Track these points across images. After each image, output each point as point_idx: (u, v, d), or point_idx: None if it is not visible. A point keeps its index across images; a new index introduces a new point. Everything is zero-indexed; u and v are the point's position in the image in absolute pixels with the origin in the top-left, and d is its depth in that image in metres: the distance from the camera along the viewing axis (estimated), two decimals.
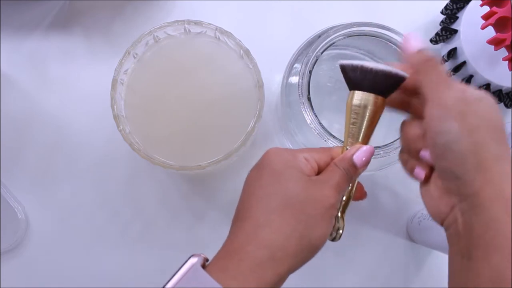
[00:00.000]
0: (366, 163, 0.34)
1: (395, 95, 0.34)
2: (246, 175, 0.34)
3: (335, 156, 0.34)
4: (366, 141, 0.34)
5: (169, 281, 0.29)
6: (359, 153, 0.33)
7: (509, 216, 0.28)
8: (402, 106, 0.35)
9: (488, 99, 0.30)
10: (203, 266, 0.30)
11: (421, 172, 0.33)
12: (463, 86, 0.31)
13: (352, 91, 0.34)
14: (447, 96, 0.30)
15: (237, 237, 0.31)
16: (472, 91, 0.30)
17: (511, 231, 0.27)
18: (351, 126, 0.34)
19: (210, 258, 0.32)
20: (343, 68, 0.34)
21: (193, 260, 0.30)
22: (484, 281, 0.28)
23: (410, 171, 0.34)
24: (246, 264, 0.29)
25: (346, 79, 0.35)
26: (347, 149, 0.34)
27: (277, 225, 0.30)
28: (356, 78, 0.34)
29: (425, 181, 0.33)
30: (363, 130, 0.34)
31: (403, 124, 0.34)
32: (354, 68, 0.33)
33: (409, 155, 0.34)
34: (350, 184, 0.35)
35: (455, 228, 0.30)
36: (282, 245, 0.30)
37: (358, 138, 0.34)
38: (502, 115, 0.30)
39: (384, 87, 0.33)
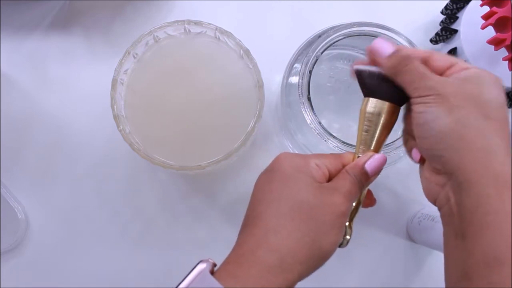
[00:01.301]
0: (378, 171, 0.34)
1: None
2: (256, 179, 0.34)
3: (346, 162, 0.34)
4: (378, 149, 0.34)
5: (177, 287, 0.29)
6: (371, 161, 0.33)
7: (499, 190, 0.27)
8: None
9: (477, 78, 0.30)
10: (212, 272, 0.30)
11: (416, 153, 0.33)
12: (450, 71, 0.31)
13: (366, 98, 0.34)
14: (424, 86, 0.30)
15: (246, 242, 0.30)
16: (458, 75, 0.30)
17: (502, 207, 0.27)
18: (364, 133, 0.34)
19: (211, 259, 0.31)
20: (359, 74, 0.34)
21: (202, 266, 0.29)
22: (476, 260, 0.27)
23: (409, 152, 0.34)
24: (255, 269, 0.29)
25: (361, 84, 0.34)
26: (358, 156, 0.34)
27: (287, 230, 0.30)
28: (372, 85, 0.33)
29: (421, 163, 0.33)
30: (376, 138, 0.34)
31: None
32: (371, 74, 0.33)
33: (410, 136, 0.34)
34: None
35: (448, 207, 0.30)
36: (293, 251, 0.29)
37: (370, 145, 0.34)
38: (497, 91, 0.30)
39: (400, 96, 0.33)
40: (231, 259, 0.30)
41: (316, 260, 0.30)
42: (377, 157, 0.33)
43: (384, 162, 0.34)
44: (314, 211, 0.30)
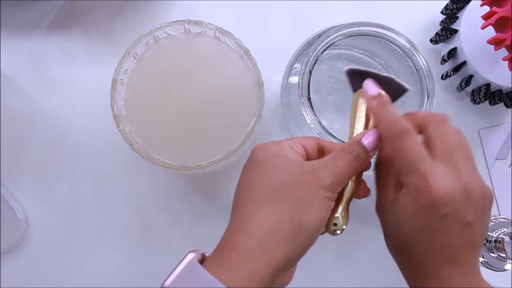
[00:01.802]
0: (376, 145, 0.32)
1: None
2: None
3: (323, 143, 0.34)
4: None
5: (167, 278, 0.30)
6: (367, 136, 0.32)
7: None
8: None
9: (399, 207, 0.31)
10: (202, 261, 0.30)
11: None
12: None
13: (358, 92, 0.34)
14: (417, 181, 0.30)
15: (228, 232, 0.31)
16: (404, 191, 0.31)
17: None
18: (356, 124, 0.34)
19: (202, 250, 0.32)
20: (350, 73, 0.35)
21: (191, 256, 0.30)
22: None
23: None
24: (237, 254, 0.29)
25: (352, 82, 0.35)
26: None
27: (263, 213, 0.30)
28: (361, 82, 0.34)
29: None
30: (364, 125, 0.34)
31: None
32: (363, 72, 0.34)
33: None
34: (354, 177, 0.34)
35: None
36: (271, 232, 0.29)
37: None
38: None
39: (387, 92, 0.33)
40: (219, 247, 0.31)
41: (301, 238, 0.30)
42: (371, 131, 0.32)
43: (378, 135, 0.32)
44: (290, 189, 0.30)
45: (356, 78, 0.34)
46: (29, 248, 0.51)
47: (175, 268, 0.30)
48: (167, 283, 0.30)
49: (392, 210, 0.32)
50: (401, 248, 0.33)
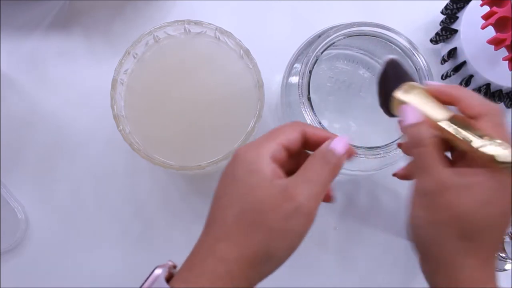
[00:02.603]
0: (345, 149, 0.31)
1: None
2: None
3: (308, 133, 0.32)
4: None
5: None
6: (336, 141, 0.31)
7: None
8: None
9: (481, 185, 0.28)
10: (171, 276, 0.30)
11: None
12: (458, 170, 0.29)
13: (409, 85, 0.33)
14: (419, 184, 0.30)
15: (198, 250, 0.31)
16: (474, 173, 0.29)
17: None
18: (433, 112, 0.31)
19: (171, 261, 0.32)
20: (392, 63, 0.34)
21: (158, 272, 0.30)
22: None
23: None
24: (205, 278, 0.29)
25: (386, 70, 0.34)
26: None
27: (234, 238, 0.29)
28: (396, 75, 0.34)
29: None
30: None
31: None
32: (402, 70, 0.34)
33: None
34: None
35: None
36: (237, 258, 0.29)
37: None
38: (493, 209, 0.28)
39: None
40: (186, 265, 0.31)
41: (268, 266, 0.29)
42: (339, 137, 0.31)
43: (346, 141, 0.31)
44: (261, 216, 0.28)
45: (394, 69, 0.34)
46: (29, 248, 0.51)
47: (142, 284, 0.30)
48: None
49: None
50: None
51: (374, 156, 0.40)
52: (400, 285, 0.52)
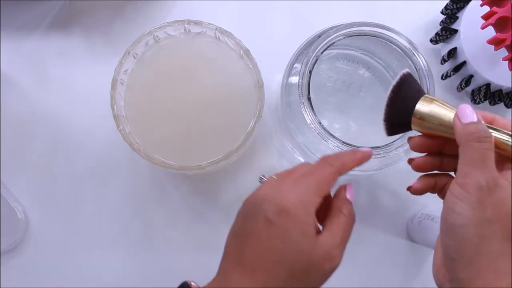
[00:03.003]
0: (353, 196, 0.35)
1: (427, 158, 0.34)
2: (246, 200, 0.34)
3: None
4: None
5: None
6: (348, 189, 0.35)
7: None
8: (435, 168, 0.35)
9: None
10: None
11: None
12: (505, 173, 0.30)
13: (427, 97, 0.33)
14: (474, 178, 0.29)
15: None
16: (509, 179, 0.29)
17: None
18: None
19: (194, 282, 0.32)
20: (407, 76, 0.34)
21: None
22: None
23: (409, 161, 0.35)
24: None
25: (401, 83, 0.34)
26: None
27: None
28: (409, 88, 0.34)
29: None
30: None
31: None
32: (415, 84, 0.34)
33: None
34: None
35: None
36: None
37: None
38: None
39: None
40: None
41: None
42: (349, 185, 0.35)
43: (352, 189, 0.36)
44: (309, 276, 0.31)
45: (408, 82, 0.34)
46: (29, 248, 0.51)
47: None
48: None
49: None
50: None
51: (374, 156, 0.40)
52: (400, 285, 0.52)
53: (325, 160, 0.34)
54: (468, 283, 0.29)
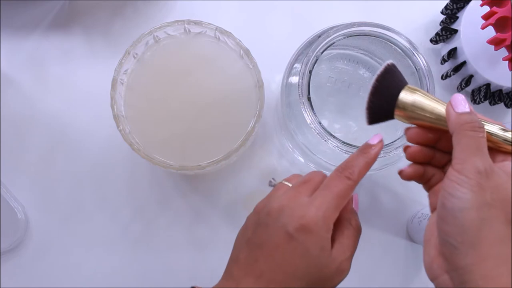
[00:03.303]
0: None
1: (423, 148, 0.35)
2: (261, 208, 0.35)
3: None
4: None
5: None
6: (355, 199, 0.37)
7: None
8: (427, 159, 0.35)
9: None
10: None
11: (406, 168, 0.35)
12: (500, 158, 0.31)
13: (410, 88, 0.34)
14: (471, 163, 0.29)
15: None
16: (505, 165, 0.30)
17: None
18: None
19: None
20: (391, 68, 0.34)
21: None
22: None
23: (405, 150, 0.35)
24: None
25: (385, 74, 0.34)
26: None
27: None
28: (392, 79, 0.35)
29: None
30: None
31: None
32: (398, 75, 0.34)
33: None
34: None
35: None
36: None
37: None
38: None
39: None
40: None
41: None
42: (355, 195, 0.37)
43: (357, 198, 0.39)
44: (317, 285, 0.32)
45: (392, 72, 0.34)
46: (29, 248, 0.51)
47: None
48: None
49: None
50: None
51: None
52: (400, 285, 0.52)
53: (341, 171, 0.34)
54: (469, 270, 0.28)
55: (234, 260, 0.34)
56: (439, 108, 0.33)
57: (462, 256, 0.29)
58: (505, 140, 0.31)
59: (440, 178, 0.35)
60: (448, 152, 0.34)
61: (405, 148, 0.35)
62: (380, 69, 0.34)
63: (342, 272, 0.33)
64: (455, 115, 0.31)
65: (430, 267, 0.31)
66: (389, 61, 0.34)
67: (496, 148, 0.32)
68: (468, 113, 0.31)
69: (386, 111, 0.34)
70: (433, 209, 0.35)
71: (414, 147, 0.35)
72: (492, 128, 0.32)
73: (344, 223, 0.34)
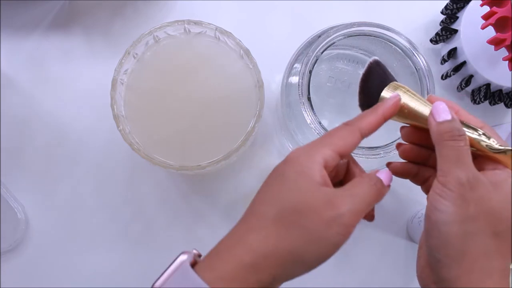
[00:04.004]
0: (390, 180, 0.33)
1: (414, 147, 0.34)
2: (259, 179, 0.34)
3: (350, 161, 0.34)
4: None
5: (158, 279, 0.29)
6: (382, 171, 0.32)
7: None
8: (421, 159, 0.35)
9: (507, 183, 0.29)
10: (195, 263, 0.30)
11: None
12: (490, 166, 0.30)
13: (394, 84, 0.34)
14: (453, 175, 0.28)
15: (230, 237, 0.30)
16: (494, 173, 0.29)
17: None
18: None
19: (196, 249, 0.32)
20: (375, 64, 0.34)
21: (183, 258, 0.29)
22: None
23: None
24: (231, 265, 0.28)
25: (370, 70, 0.35)
26: None
27: (267, 232, 0.29)
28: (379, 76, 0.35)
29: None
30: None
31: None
32: (385, 72, 0.35)
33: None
34: None
35: None
36: (266, 254, 0.28)
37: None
38: None
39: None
40: (214, 251, 0.30)
41: (296, 268, 0.29)
42: (385, 170, 0.33)
43: (391, 174, 0.33)
44: (301, 216, 0.28)
45: (377, 70, 0.34)
46: (29, 248, 0.51)
47: (166, 269, 0.30)
48: (158, 283, 0.29)
49: None
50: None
51: (374, 156, 0.40)
52: (400, 285, 0.52)
53: (344, 123, 0.33)
54: (454, 283, 0.28)
55: None
56: (421, 107, 0.32)
57: (446, 269, 0.28)
58: (489, 147, 0.30)
59: None
60: None
61: (398, 146, 0.35)
62: (364, 67, 0.34)
63: (334, 206, 0.28)
64: (435, 124, 0.30)
65: (420, 276, 0.31)
66: (372, 59, 0.34)
67: (484, 155, 0.31)
68: (448, 121, 0.30)
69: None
70: None
71: (406, 145, 0.34)
72: (474, 135, 0.30)
73: (358, 178, 0.32)
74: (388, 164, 0.35)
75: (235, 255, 0.29)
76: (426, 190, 0.34)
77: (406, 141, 0.34)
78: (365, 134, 0.32)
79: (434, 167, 0.34)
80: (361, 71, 0.35)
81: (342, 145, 0.31)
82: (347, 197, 0.29)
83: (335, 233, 0.28)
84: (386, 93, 0.33)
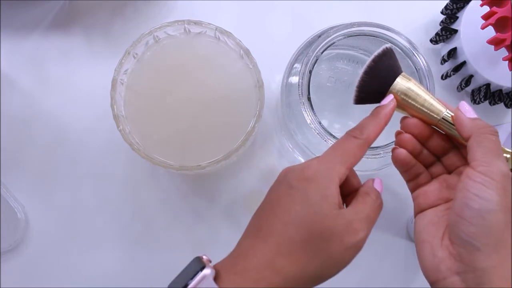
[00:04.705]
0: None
1: (413, 138, 0.35)
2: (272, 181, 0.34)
3: (350, 174, 0.35)
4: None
5: None
6: (377, 182, 0.34)
7: None
8: (415, 153, 0.35)
9: None
10: (216, 276, 0.30)
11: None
12: None
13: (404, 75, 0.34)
14: (496, 166, 0.29)
15: (255, 257, 0.30)
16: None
17: None
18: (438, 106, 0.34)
19: (205, 255, 0.32)
20: (389, 52, 0.34)
21: (206, 272, 0.30)
22: None
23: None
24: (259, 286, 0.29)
25: (381, 58, 0.35)
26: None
27: (296, 258, 0.30)
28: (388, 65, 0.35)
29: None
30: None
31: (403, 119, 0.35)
32: (395, 61, 0.35)
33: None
34: None
35: None
36: (294, 278, 0.30)
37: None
38: None
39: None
40: (238, 270, 0.30)
41: (313, 285, 0.31)
42: (377, 179, 0.35)
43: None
44: (328, 245, 0.30)
45: (389, 56, 0.34)
46: (29, 248, 0.51)
47: (187, 283, 0.30)
48: None
49: None
50: None
51: (374, 156, 0.40)
52: (400, 285, 0.52)
53: (349, 132, 0.34)
54: (489, 272, 0.28)
55: (243, 233, 0.33)
56: (430, 101, 0.34)
57: (483, 258, 0.28)
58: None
59: (426, 179, 0.35)
60: (434, 153, 0.35)
61: (397, 134, 0.35)
62: (378, 50, 0.34)
63: (355, 232, 0.30)
64: (469, 119, 0.32)
65: (436, 269, 0.31)
66: (388, 45, 0.35)
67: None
68: (479, 119, 0.32)
69: (377, 93, 0.34)
70: (420, 210, 0.35)
71: (405, 134, 0.35)
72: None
73: (362, 194, 0.33)
74: (393, 150, 0.35)
75: (264, 278, 0.30)
76: (413, 187, 0.36)
77: (406, 131, 0.35)
78: (370, 145, 0.34)
79: (423, 164, 0.35)
80: (374, 53, 0.34)
81: (353, 161, 0.33)
82: (363, 221, 0.31)
83: (352, 256, 0.31)
84: (400, 80, 0.34)
